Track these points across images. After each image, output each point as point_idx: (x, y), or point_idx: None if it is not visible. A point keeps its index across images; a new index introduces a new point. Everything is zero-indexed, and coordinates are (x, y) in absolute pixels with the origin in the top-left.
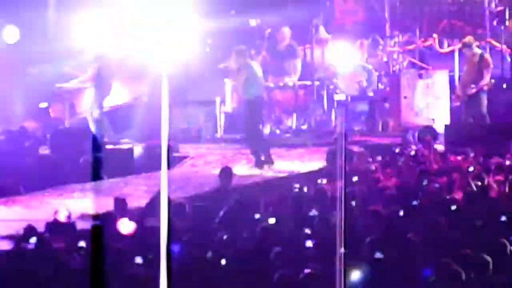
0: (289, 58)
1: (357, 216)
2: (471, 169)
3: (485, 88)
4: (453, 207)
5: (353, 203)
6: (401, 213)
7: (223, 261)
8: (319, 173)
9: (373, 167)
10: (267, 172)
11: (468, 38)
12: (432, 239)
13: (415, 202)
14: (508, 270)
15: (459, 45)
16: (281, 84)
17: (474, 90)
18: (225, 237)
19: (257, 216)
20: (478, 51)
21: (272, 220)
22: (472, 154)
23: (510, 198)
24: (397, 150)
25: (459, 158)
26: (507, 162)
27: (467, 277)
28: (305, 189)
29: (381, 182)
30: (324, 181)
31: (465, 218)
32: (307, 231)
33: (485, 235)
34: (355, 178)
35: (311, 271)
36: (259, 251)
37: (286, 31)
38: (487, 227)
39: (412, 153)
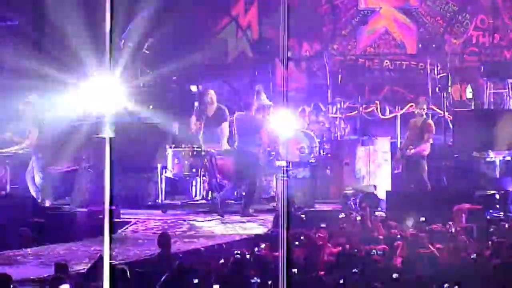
0: (219, 122)
1: (298, 283)
2: (412, 236)
3: (425, 153)
4: (395, 275)
5: (295, 270)
6: (341, 281)
7: None
8: (260, 238)
9: (316, 234)
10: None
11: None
12: None
13: (355, 270)
14: None
15: (401, 112)
16: (223, 149)
17: (412, 152)
18: None
19: (195, 281)
20: (423, 115)
21: (212, 287)
22: (413, 221)
23: (452, 265)
24: (340, 216)
25: (401, 224)
26: (449, 230)
27: None
28: (247, 255)
29: (323, 249)
30: (263, 246)
31: (406, 286)
32: None
33: None
34: (296, 243)
35: None
36: None
37: (212, 92)
38: None
39: (355, 219)
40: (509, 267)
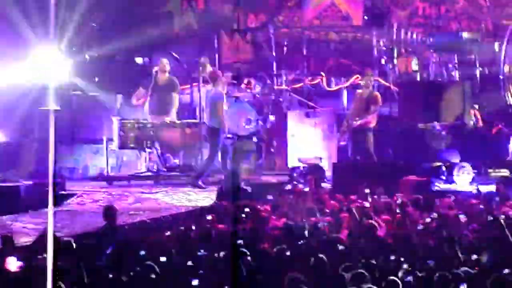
0: (169, 92)
1: (245, 255)
2: (358, 208)
3: (371, 125)
4: (340, 247)
5: (241, 241)
6: (288, 252)
7: None
8: (206, 211)
9: (262, 206)
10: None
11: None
12: (318, 278)
13: (301, 242)
14: None
15: (347, 84)
16: (168, 121)
17: (358, 123)
18: (110, 276)
19: (142, 253)
20: (370, 87)
21: (158, 259)
22: (359, 193)
23: (398, 237)
24: (286, 188)
25: (346, 197)
26: (397, 201)
27: None
28: (193, 228)
29: (270, 221)
30: (210, 217)
31: (352, 258)
32: (194, 270)
33: (375, 274)
34: (243, 216)
35: None
36: None
37: (165, 61)
38: (376, 266)
39: (301, 191)
40: (454, 238)
